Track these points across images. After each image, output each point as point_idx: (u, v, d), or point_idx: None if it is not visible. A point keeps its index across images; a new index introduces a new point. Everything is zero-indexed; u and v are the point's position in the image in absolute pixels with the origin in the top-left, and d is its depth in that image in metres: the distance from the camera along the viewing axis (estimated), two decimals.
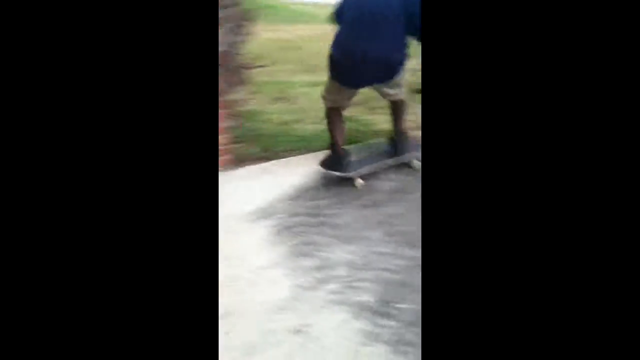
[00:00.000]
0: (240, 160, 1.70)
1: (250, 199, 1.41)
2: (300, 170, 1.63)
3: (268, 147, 1.84)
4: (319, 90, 2.54)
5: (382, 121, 2.10)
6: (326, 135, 1.74)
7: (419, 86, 1.70)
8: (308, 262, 1.11)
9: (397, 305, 0.96)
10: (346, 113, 1.77)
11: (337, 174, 1.52)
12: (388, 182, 1.56)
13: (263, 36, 3.65)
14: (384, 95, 1.67)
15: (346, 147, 1.66)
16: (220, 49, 1.44)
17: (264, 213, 1.34)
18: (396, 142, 1.71)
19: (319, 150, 1.83)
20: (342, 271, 1.08)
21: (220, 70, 1.40)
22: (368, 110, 2.28)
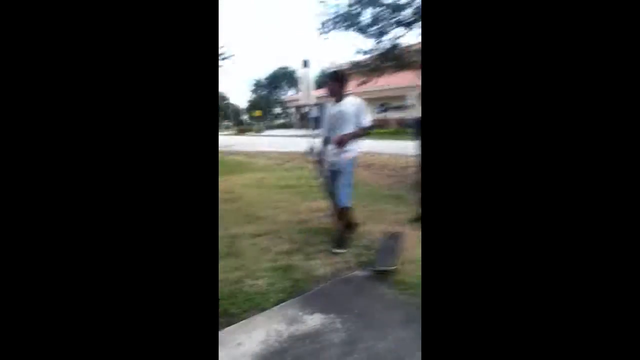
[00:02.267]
0: None
1: None
2: (260, 335, 1.70)
3: (223, 312, 1.88)
4: (261, 241, 2.80)
5: (321, 265, 2.38)
6: (278, 290, 2.09)
7: None
8: None
9: None
10: (285, 263, 2.26)
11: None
12: (337, 334, 1.71)
13: None
14: None
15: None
16: None
17: None
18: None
19: (273, 305, 1.94)
20: None
21: None
22: (306, 257, 2.56)
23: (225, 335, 1.70)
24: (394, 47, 5.35)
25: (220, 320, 1.82)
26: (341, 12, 5.19)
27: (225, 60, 10.10)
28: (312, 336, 1.68)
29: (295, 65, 36.39)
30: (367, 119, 2.64)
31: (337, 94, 2.70)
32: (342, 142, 2.68)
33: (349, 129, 2.64)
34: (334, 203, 2.82)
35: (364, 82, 5.98)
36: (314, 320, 1.81)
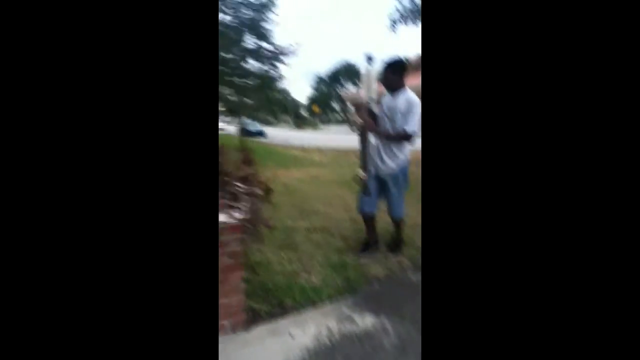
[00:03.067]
0: (251, 321, 1.80)
1: None
2: (312, 330, 1.76)
3: (278, 303, 1.98)
4: (315, 236, 2.86)
5: (374, 265, 2.36)
6: (332, 286, 2.16)
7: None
8: None
9: None
10: (339, 260, 2.23)
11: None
12: (387, 337, 1.68)
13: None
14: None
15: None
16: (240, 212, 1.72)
17: None
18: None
19: (327, 300, 1.99)
20: None
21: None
22: (360, 256, 2.55)
23: (280, 326, 1.80)
24: None
25: (276, 310, 1.92)
26: (412, 4, 4.96)
27: (289, 55, 10.34)
28: (362, 337, 1.69)
29: (359, 61, 36.04)
30: (413, 123, 2.27)
31: (392, 85, 2.40)
32: (368, 127, 2.41)
33: (395, 127, 2.36)
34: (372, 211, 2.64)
35: None
36: (365, 321, 1.81)
